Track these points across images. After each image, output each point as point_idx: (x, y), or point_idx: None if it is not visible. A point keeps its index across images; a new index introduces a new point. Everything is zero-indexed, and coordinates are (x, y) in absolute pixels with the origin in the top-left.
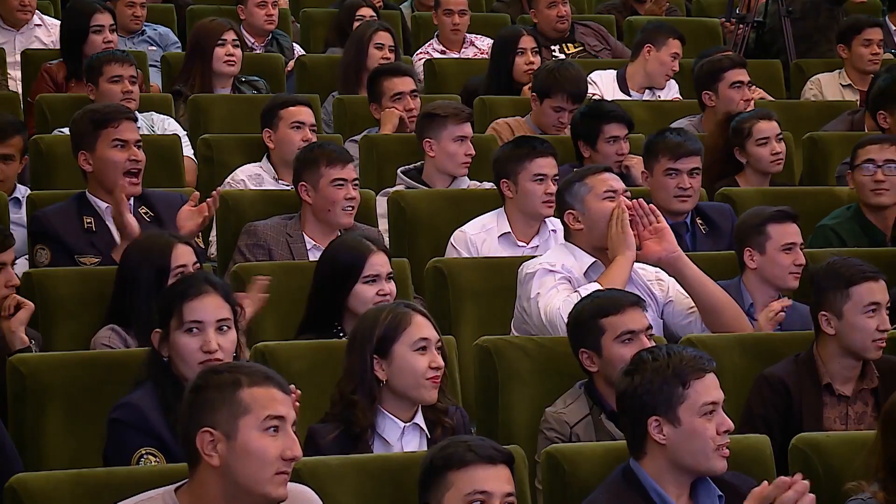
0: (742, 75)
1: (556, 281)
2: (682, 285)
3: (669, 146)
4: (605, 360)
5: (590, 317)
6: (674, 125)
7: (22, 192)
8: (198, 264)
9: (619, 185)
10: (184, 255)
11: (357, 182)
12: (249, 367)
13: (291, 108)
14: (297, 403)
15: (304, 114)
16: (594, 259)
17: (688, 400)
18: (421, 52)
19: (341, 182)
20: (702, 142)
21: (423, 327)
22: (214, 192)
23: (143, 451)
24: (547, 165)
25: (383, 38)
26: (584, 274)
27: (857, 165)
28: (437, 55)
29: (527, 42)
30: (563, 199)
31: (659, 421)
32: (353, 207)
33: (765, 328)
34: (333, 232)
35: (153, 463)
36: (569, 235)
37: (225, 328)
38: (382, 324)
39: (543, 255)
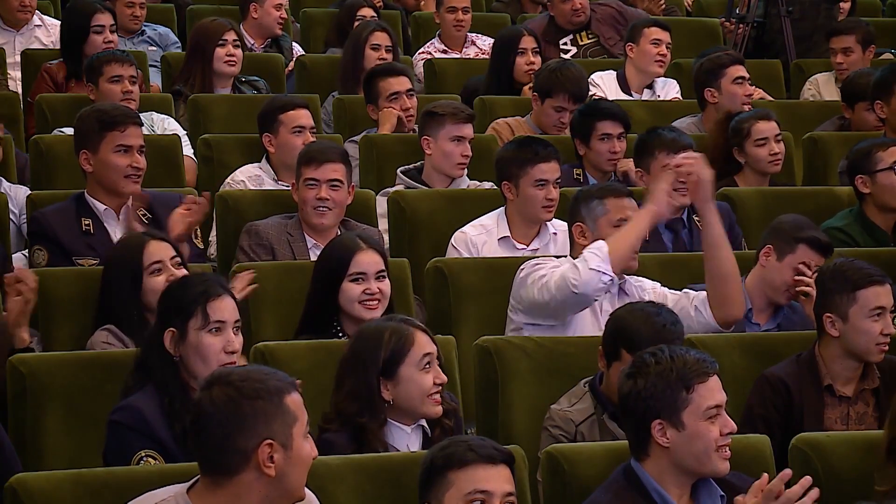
0: (743, 71)
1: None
2: (703, 236)
3: (666, 142)
4: (610, 378)
5: (614, 336)
6: (675, 124)
7: (5, 187)
8: (177, 258)
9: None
10: (158, 251)
11: (336, 184)
12: (275, 373)
13: (291, 112)
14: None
15: (305, 117)
16: None
17: (692, 404)
18: (422, 52)
19: (313, 182)
20: (701, 141)
21: (425, 344)
22: (206, 194)
23: (143, 454)
24: (549, 170)
25: (380, 38)
26: None
27: (883, 169)
28: (438, 54)
29: (527, 42)
30: (577, 209)
31: (662, 424)
32: (326, 209)
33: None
34: (332, 231)
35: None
36: (573, 247)
37: (237, 329)
38: (387, 346)
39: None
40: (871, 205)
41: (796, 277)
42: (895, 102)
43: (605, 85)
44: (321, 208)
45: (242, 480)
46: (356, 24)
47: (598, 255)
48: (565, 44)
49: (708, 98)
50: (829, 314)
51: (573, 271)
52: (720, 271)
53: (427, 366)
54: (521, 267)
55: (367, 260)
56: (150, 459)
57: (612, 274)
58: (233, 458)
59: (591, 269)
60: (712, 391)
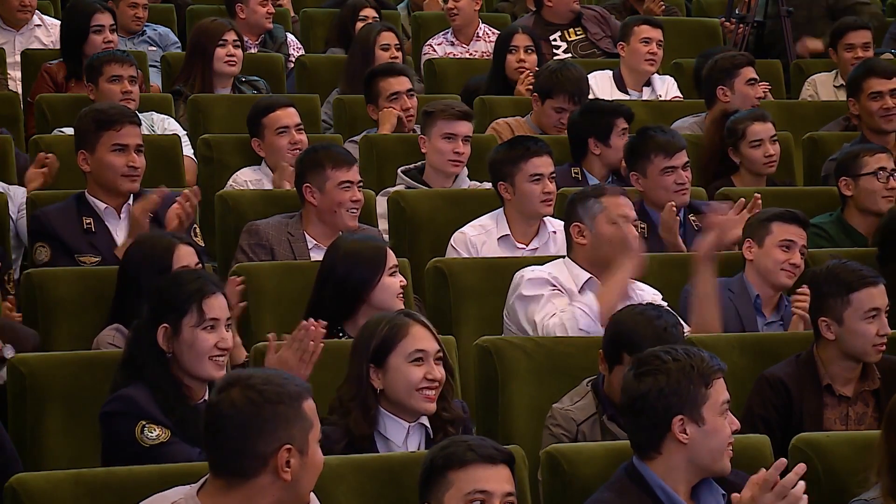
0: (755, 73)
1: (548, 295)
2: (694, 289)
3: (661, 144)
4: (611, 381)
5: (615, 339)
6: (677, 124)
7: (3, 186)
8: (200, 265)
9: (632, 212)
10: (186, 257)
11: (361, 184)
12: (292, 378)
13: (272, 114)
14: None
15: (287, 117)
16: (590, 276)
17: (710, 399)
18: (430, 43)
19: (347, 184)
20: (700, 140)
21: (420, 339)
22: (195, 187)
23: (144, 422)
24: (543, 164)
25: (388, 38)
26: (580, 290)
27: (867, 173)
28: (446, 45)
29: (519, 40)
30: (574, 210)
31: (683, 420)
32: (357, 209)
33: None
34: (336, 232)
35: (157, 431)
36: (570, 249)
37: (228, 326)
38: (380, 334)
39: (538, 266)
40: (852, 208)
41: (794, 306)
42: (864, 100)
43: (599, 85)
44: (354, 210)
45: (257, 484)
46: (359, 24)
47: (588, 314)
48: (555, 40)
49: (720, 96)
50: (823, 318)
51: (562, 330)
52: (701, 327)
53: (418, 360)
54: (516, 285)
55: (393, 255)
56: (152, 425)
57: (601, 330)
58: (251, 462)
59: (580, 328)
60: (723, 387)
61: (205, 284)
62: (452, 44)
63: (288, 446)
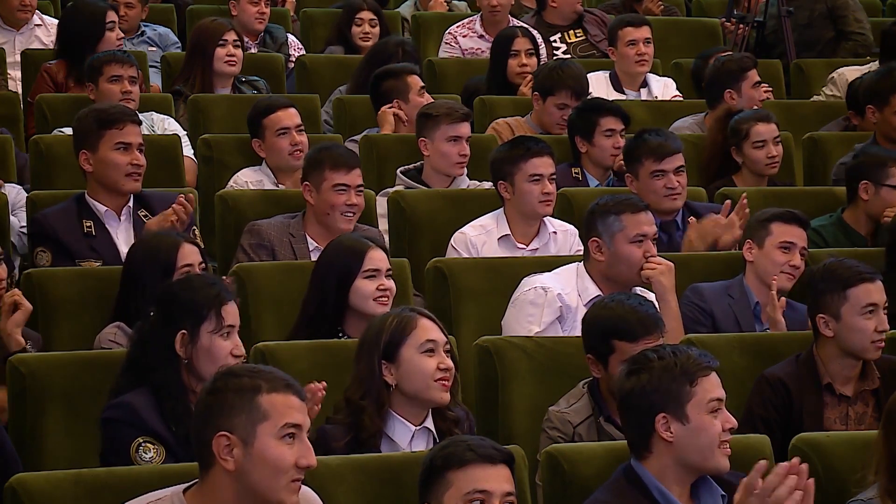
0: (758, 75)
1: (541, 318)
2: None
3: (652, 148)
4: (610, 374)
5: (602, 332)
6: (677, 124)
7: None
8: (203, 264)
9: (651, 229)
10: (190, 255)
11: (361, 188)
12: (269, 373)
13: (272, 115)
14: (322, 393)
15: (288, 118)
16: (599, 293)
17: (696, 397)
18: (451, 32)
19: (343, 187)
20: (701, 140)
21: (429, 330)
22: (189, 196)
23: (141, 440)
24: (543, 165)
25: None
26: (586, 304)
27: (890, 185)
28: (471, 35)
29: (520, 44)
30: (593, 223)
31: (667, 418)
32: (353, 213)
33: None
34: (333, 234)
35: (151, 452)
36: (586, 259)
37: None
38: (389, 329)
39: (551, 275)
40: (860, 210)
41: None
42: (888, 112)
43: (595, 87)
44: (349, 214)
45: (213, 475)
46: (354, 26)
47: None
48: (555, 41)
49: (727, 99)
50: (821, 315)
51: None
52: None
53: (430, 351)
54: (518, 290)
55: (379, 257)
56: (148, 445)
57: None
58: (203, 451)
59: None
60: (714, 385)
61: (222, 290)
62: (481, 36)
63: (224, 433)
